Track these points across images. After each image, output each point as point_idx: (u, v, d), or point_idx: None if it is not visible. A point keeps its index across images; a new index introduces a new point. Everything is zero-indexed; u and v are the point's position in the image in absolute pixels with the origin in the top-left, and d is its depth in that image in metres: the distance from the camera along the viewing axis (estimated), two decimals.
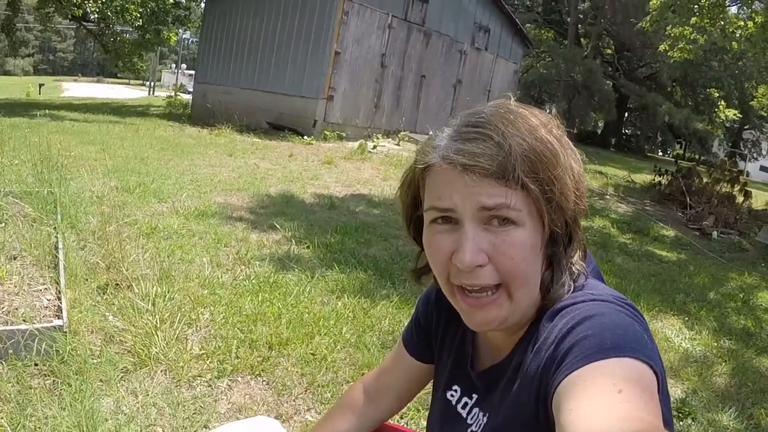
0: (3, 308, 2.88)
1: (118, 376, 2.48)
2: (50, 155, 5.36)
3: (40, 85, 28.57)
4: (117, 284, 3.31)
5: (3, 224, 4.05)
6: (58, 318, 2.79)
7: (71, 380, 2.35)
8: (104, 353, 2.61)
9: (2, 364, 2.48)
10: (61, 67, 66.45)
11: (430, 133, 0.84)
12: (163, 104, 19.08)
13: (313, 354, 2.75)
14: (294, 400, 2.44)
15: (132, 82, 40.92)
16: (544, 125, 0.78)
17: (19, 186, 4.80)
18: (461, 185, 0.75)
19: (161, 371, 2.56)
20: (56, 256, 3.54)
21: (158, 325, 2.84)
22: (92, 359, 2.55)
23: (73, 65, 67.38)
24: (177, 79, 27.87)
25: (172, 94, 19.83)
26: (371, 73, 13.70)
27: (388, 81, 14.18)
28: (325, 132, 12.12)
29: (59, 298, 3.02)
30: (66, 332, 2.66)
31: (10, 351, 2.52)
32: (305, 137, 11.38)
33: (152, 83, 29.66)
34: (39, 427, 2.07)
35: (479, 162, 0.73)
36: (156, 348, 2.66)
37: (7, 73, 54.04)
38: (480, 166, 0.73)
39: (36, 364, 2.49)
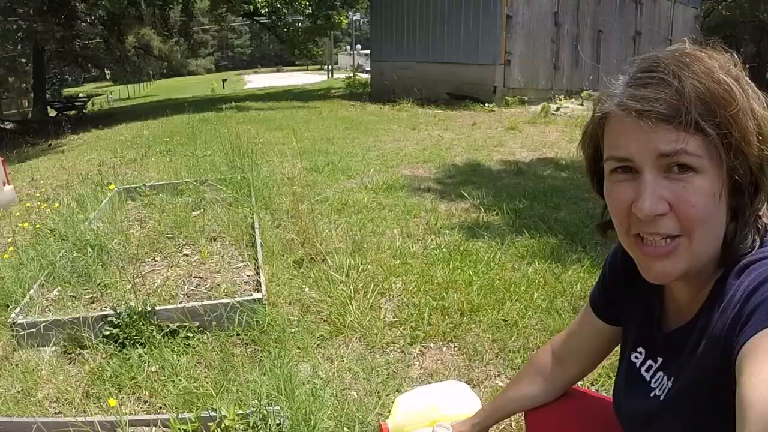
0: (206, 285, 3.53)
1: (314, 343, 2.99)
2: (240, 143, 6.33)
3: (224, 81, 32.95)
4: (312, 258, 3.89)
5: (202, 209, 4.87)
6: (258, 291, 3.32)
7: (270, 348, 2.91)
8: (301, 322, 3.17)
9: (207, 334, 3.15)
10: (240, 62, 75.82)
11: (609, 82, 0.95)
12: (342, 85, 21.24)
13: (504, 320, 3.02)
14: (485, 366, 2.71)
15: (310, 67, 45.28)
16: (721, 67, 0.83)
17: (213, 174, 5.72)
18: (637, 132, 0.84)
19: (356, 338, 3.02)
20: (253, 235, 4.20)
21: (352, 295, 3.35)
22: (290, 328, 3.10)
23: (251, 58, 76.36)
24: (353, 59, 30.29)
25: (351, 75, 21.63)
26: (546, 34, 14.53)
27: (564, 40, 14.90)
28: (506, 98, 13.13)
29: (258, 274, 3.60)
30: (265, 304, 3.18)
31: (214, 323, 3.12)
32: (486, 105, 12.72)
33: (330, 67, 32.62)
34: (241, 391, 2.59)
35: (654, 107, 0.81)
36: (351, 317, 3.15)
37: (191, 73, 64.28)
38: (655, 111, 0.81)
39: (238, 334, 3.10)
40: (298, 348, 2.94)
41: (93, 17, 23.92)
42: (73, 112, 21.31)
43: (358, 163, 7.01)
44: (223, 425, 2.14)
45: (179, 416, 2.24)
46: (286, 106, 15.28)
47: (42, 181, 7.73)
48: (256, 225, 4.40)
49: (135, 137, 11.18)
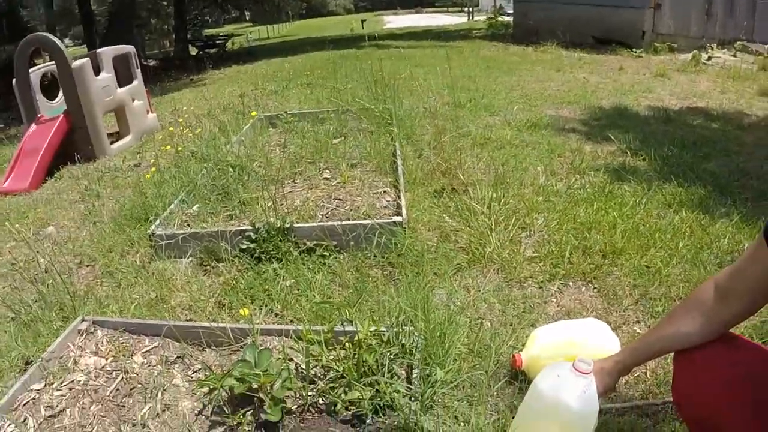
0: (345, 207, 3.56)
1: (451, 271, 3.03)
2: (381, 77, 6.39)
3: (363, 21, 33.34)
4: (453, 188, 3.96)
5: (343, 137, 4.93)
6: (398, 215, 3.27)
7: (407, 271, 2.97)
8: (440, 249, 3.21)
9: (343, 254, 3.22)
10: (380, 3, 76.82)
11: None
12: (483, 26, 21.09)
13: (647, 266, 2.97)
14: (623, 311, 2.66)
15: (450, 9, 45.37)
16: None
17: (355, 104, 5.77)
18: None
19: (494, 270, 3.04)
20: (394, 163, 4.21)
21: (493, 227, 3.38)
22: (428, 254, 3.13)
23: None
24: (494, 1, 29.88)
25: (492, 16, 21.23)
26: None
27: None
28: (655, 44, 12.79)
29: (398, 200, 3.58)
30: (405, 227, 3.17)
31: (351, 243, 3.17)
32: (634, 50, 12.51)
33: (470, 8, 32.36)
34: (375, 310, 2.62)
35: None
36: (490, 248, 3.18)
37: (330, 13, 65.78)
38: None
39: (375, 256, 3.15)
40: (435, 274, 2.97)
41: None
42: (213, 50, 22.43)
43: (500, 101, 7.10)
44: (356, 339, 2.13)
45: (312, 328, 2.25)
46: (426, 45, 15.49)
47: (184, 109, 8.18)
48: (398, 153, 4.43)
49: (276, 71, 11.60)
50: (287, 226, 3.18)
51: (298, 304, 2.72)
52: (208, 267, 3.23)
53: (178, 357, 2.42)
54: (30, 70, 6.68)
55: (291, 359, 2.26)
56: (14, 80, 6.63)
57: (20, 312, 2.95)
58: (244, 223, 3.44)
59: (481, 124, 5.91)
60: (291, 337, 2.38)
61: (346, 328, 2.27)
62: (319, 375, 2.17)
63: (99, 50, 6.87)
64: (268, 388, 2.02)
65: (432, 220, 3.54)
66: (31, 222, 4.70)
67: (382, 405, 1.95)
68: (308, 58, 13.69)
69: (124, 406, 2.18)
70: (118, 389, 2.26)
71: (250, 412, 2.01)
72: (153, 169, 4.79)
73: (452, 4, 43.83)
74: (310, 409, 2.06)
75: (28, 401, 2.22)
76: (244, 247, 3.18)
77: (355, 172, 4.19)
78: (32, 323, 2.84)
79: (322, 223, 3.26)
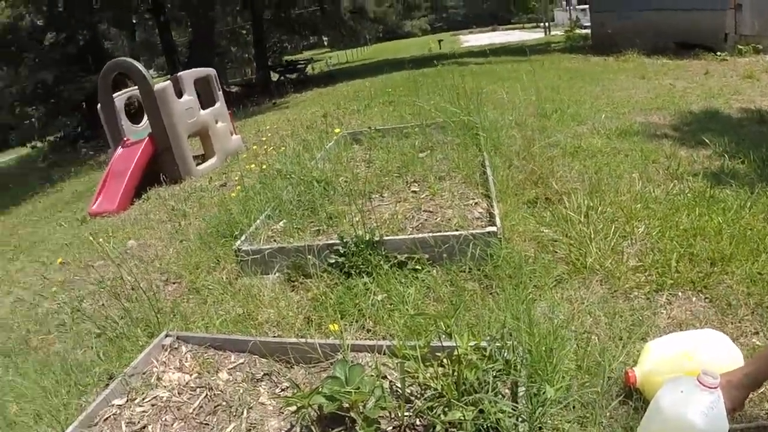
0: (436, 219, 3.41)
1: (551, 282, 2.84)
2: (464, 92, 6.30)
3: (440, 41, 33.48)
4: (547, 198, 3.82)
5: (429, 150, 4.80)
6: (491, 225, 3.11)
7: (504, 283, 2.79)
8: (538, 260, 3.03)
9: (436, 267, 3.05)
10: (455, 23, 77.13)
11: None
12: (561, 39, 20.99)
13: (759, 273, 2.73)
14: (739, 321, 2.45)
15: (526, 25, 45.33)
16: None
17: (439, 117, 5.67)
18: None
19: (597, 281, 2.83)
20: (484, 173, 4.06)
21: (592, 237, 3.18)
22: (526, 266, 2.93)
23: (465, 19, 77.20)
24: (570, 14, 29.68)
25: (569, 28, 21.06)
26: None
27: None
28: (738, 46, 12.14)
29: (490, 210, 3.41)
30: (500, 238, 2.97)
31: (444, 255, 2.99)
32: (717, 53, 11.99)
33: (546, 23, 32.15)
34: (473, 324, 2.46)
35: None
36: (591, 258, 2.98)
37: (407, 34, 66.50)
38: None
39: (470, 269, 2.96)
40: (535, 286, 2.79)
41: None
42: (294, 74, 22.84)
43: (587, 110, 6.91)
44: (454, 354, 1.96)
45: (407, 342, 2.10)
46: (505, 60, 15.37)
47: (268, 129, 8.27)
48: (487, 163, 4.27)
49: (357, 91, 11.65)
50: (377, 239, 3.06)
51: (391, 319, 2.58)
52: (296, 283, 3.13)
53: (264, 374, 2.31)
54: (114, 95, 6.88)
55: (385, 376, 2.11)
56: (99, 105, 6.84)
57: (106, 328, 2.93)
58: (331, 238, 3.33)
59: (570, 133, 5.73)
60: (384, 353, 2.23)
61: (444, 343, 2.11)
62: (415, 393, 2.01)
63: (180, 73, 7.01)
64: (360, 407, 1.87)
65: (527, 230, 3.35)
66: (120, 241, 4.77)
67: (486, 426, 1.77)
68: (388, 78, 13.74)
69: (207, 425, 2.08)
70: (201, 407, 2.17)
71: None
72: (238, 187, 4.79)
73: (527, 21, 43.56)
74: (407, 430, 1.90)
75: (109, 416, 2.16)
76: (332, 261, 3.08)
77: (444, 184, 4.04)
78: (117, 339, 2.81)
79: (413, 236, 3.12)
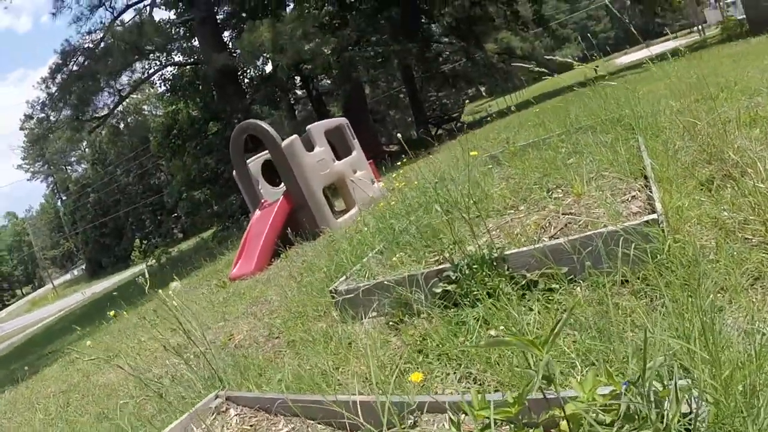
0: (579, 221, 2.56)
1: (745, 281, 1.92)
2: (616, 97, 5.59)
3: (596, 68, 32.41)
4: (725, 174, 2.89)
5: (577, 155, 3.98)
6: (651, 214, 2.26)
7: (674, 291, 1.90)
8: (722, 252, 2.09)
9: (579, 283, 2.16)
10: (605, 46, 74.79)
11: None
12: (717, 33, 19.41)
13: None
14: None
15: (678, 34, 42.98)
16: None
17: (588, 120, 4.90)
18: None
19: None
20: (640, 161, 3.16)
21: None
22: (704, 261, 2.03)
23: (616, 41, 74.93)
24: (721, 13, 27.86)
25: (722, 20, 19.65)
26: None
27: None
28: None
29: (650, 202, 2.51)
30: (663, 228, 2.11)
31: (587, 263, 2.11)
32: None
33: (699, 26, 30.18)
34: (627, 358, 1.56)
35: None
36: None
37: (560, 68, 65.44)
38: None
39: (623, 281, 2.04)
40: (722, 289, 1.88)
41: (445, 25, 25.13)
42: (450, 124, 22.45)
43: (757, 83, 5.97)
44: (573, 409, 1.15)
45: (486, 396, 1.30)
46: (661, 64, 14.29)
47: (411, 175, 7.82)
48: (643, 147, 3.47)
49: (507, 124, 11.03)
50: (494, 255, 2.30)
51: (507, 361, 1.79)
52: (399, 324, 2.44)
53: None
54: (248, 160, 6.68)
55: None
56: (234, 172, 6.65)
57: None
58: (441, 263, 2.61)
59: (742, 106, 4.74)
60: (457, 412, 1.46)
61: (563, 395, 1.29)
62: None
63: (309, 126, 6.68)
64: None
65: (702, 215, 2.42)
66: (247, 302, 4.39)
67: None
68: (540, 106, 13.10)
69: None
70: None
71: None
72: (363, 229, 4.25)
73: (679, 28, 41.04)
74: None
75: None
76: (439, 290, 2.35)
77: (592, 184, 3.18)
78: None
79: (542, 245, 2.31)
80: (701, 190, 2.78)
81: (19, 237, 69.23)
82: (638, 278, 2.06)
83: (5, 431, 4.39)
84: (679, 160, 3.26)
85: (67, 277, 61.05)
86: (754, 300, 1.79)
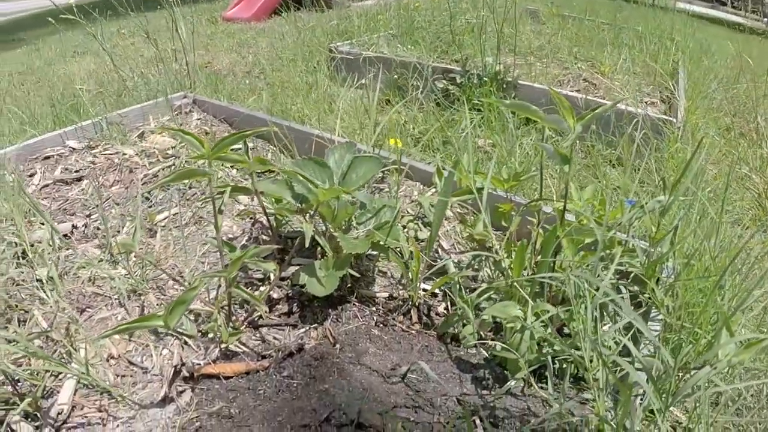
0: (598, 93, 2.44)
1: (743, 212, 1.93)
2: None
3: None
4: (742, 133, 2.78)
5: (616, 47, 3.72)
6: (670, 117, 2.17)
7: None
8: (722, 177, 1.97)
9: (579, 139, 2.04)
10: None
11: None
12: None
13: None
14: None
15: (748, 16, 40.83)
16: None
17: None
18: None
19: None
20: (674, 75, 2.98)
21: None
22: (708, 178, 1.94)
23: None
24: None
25: None
26: None
27: None
28: None
29: (673, 98, 2.40)
30: (679, 128, 1.99)
31: (593, 127, 2.02)
32: None
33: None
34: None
35: None
36: None
37: None
38: None
39: (618, 159, 1.95)
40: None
41: None
42: None
43: None
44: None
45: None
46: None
47: None
48: (681, 64, 3.24)
49: None
50: (509, 78, 2.16)
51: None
52: (387, 105, 2.31)
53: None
54: None
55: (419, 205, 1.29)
56: None
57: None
58: (453, 61, 2.45)
59: None
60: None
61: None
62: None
63: None
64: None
65: (713, 148, 2.30)
66: (235, 42, 4.17)
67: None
68: None
69: (149, 199, 1.41)
70: (156, 175, 1.49)
71: None
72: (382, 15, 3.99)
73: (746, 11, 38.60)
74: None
75: (53, 156, 1.64)
76: (441, 86, 2.22)
77: (620, 74, 3.00)
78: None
79: (558, 89, 2.18)
80: (718, 135, 2.65)
81: None
82: (634, 163, 1.96)
83: None
84: (709, 97, 3.11)
85: None
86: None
